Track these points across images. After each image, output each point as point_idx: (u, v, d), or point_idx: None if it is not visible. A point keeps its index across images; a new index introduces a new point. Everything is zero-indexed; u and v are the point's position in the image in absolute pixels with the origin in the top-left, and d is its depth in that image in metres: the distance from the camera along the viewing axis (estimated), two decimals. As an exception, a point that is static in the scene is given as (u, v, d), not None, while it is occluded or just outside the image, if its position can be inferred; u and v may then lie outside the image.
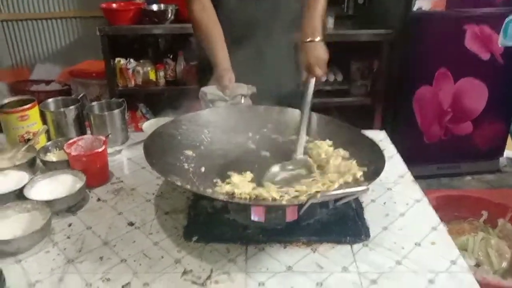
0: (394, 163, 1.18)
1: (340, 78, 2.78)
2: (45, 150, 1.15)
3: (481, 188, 2.68)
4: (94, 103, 1.33)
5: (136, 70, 2.69)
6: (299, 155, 0.99)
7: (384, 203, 1.00)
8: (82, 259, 0.83)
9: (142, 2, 2.69)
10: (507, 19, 2.43)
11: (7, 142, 1.22)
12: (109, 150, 1.17)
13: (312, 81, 1.16)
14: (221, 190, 0.87)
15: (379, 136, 1.31)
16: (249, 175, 0.93)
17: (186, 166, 0.96)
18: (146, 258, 0.83)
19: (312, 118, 1.10)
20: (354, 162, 0.94)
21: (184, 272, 0.79)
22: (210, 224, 0.91)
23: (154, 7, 2.63)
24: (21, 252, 0.84)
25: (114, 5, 2.62)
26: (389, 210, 0.97)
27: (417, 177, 1.11)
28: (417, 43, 2.45)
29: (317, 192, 0.82)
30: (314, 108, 1.15)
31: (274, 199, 0.84)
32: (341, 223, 0.91)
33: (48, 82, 3.08)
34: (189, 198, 1.01)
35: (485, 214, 1.81)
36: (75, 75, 2.99)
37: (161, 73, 2.73)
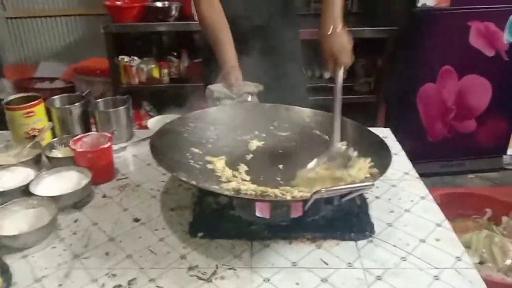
0: (399, 160, 1.18)
1: (344, 75, 2.77)
2: (51, 146, 1.16)
3: (485, 185, 2.67)
4: (99, 100, 1.33)
5: (140, 68, 2.70)
6: (336, 142, 0.99)
7: (389, 199, 1.00)
8: (88, 254, 0.83)
9: (146, -1, 2.70)
10: (511, 16, 2.42)
11: (13, 139, 1.22)
12: (115, 147, 1.17)
13: (340, 70, 1.15)
14: (227, 186, 0.87)
15: (384, 133, 1.31)
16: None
17: (192, 163, 0.96)
18: (152, 254, 0.83)
19: (318, 115, 1.10)
20: (368, 161, 0.93)
21: (190, 268, 0.79)
22: (216, 221, 0.91)
23: (158, 4, 2.64)
24: (28, 247, 0.85)
25: (118, 3, 2.63)
26: (394, 207, 0.98)
27: (420, 175, 1.11)
28: (421, 40, 2.44)
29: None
30: (317, 106, 1.15)
31: (282, 194, 0.84)
32: (346, 219, 0.91)
33: (52, 80, 3.08)
34: (194, 194, 1.01)
35: (489, 211, 1.81)
36: (79, 73, 3.00)
37: (165, 71, 2.74)
